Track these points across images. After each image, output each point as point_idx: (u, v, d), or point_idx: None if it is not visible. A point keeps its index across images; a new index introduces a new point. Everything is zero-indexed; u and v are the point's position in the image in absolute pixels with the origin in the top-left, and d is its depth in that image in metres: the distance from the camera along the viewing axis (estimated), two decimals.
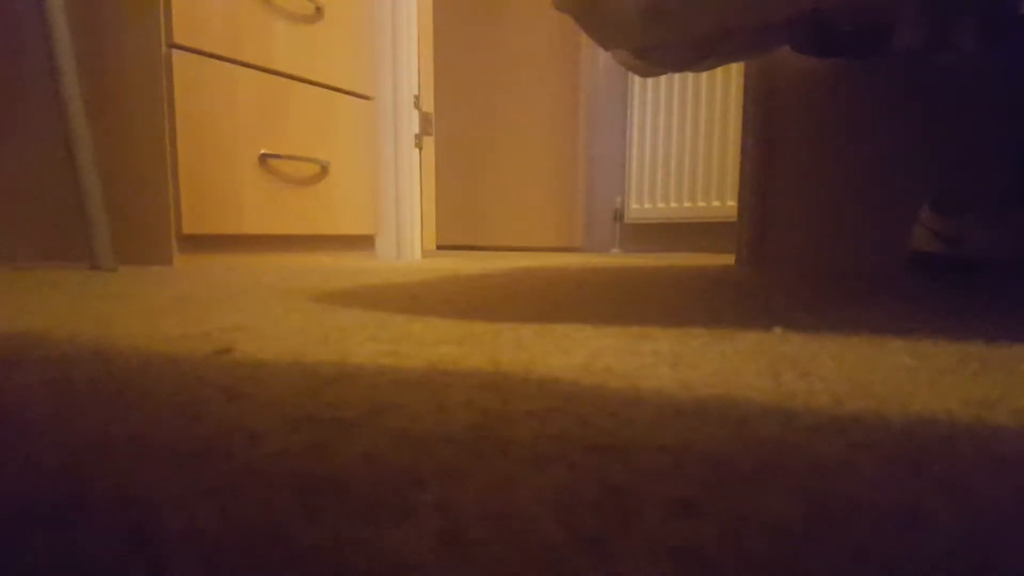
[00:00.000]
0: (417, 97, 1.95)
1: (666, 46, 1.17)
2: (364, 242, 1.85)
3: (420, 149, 1.98)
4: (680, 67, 1.30)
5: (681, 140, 2.64)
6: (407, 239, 1.96)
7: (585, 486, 0.22)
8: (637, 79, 2.74)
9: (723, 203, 2.53)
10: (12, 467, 0.23)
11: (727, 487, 0.22)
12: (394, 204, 1.93)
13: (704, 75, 2.55)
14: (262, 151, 1.51)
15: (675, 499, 0.21)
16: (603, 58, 2.83)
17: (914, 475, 0.23)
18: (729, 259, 1.93)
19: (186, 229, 1.37)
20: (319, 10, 1.61)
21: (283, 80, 1.55)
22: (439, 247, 2.95)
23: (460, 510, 0.20)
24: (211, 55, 1.40)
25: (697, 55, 1.21)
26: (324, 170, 1.65)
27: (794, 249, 1.49)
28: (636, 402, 0.32)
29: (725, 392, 0.34)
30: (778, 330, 0.55)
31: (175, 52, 1.33)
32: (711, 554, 0.17)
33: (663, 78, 2.67)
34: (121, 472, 0.23)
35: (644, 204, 2.76)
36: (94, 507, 0.20)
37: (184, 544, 0.18)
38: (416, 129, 1.95)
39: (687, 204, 2.63)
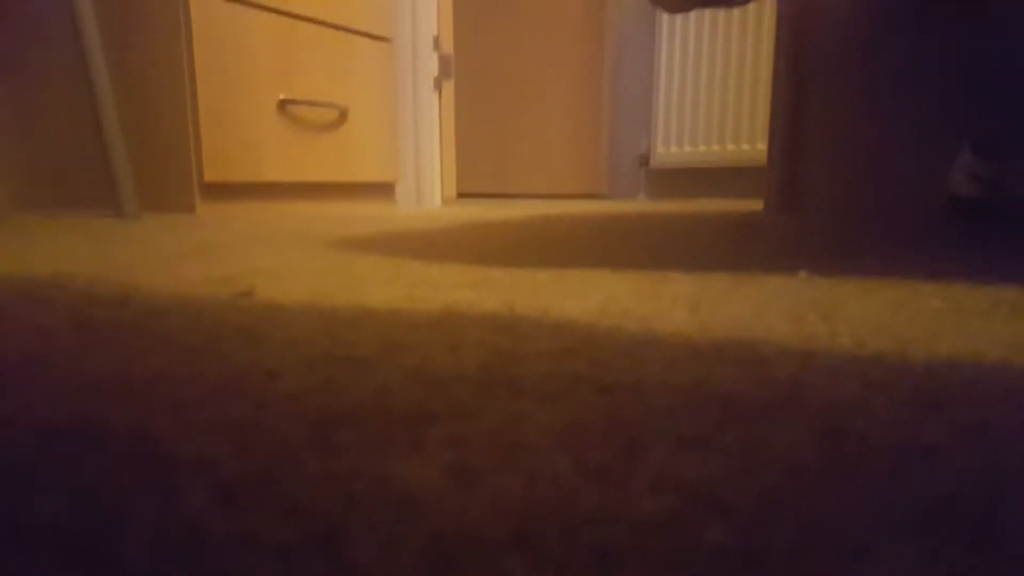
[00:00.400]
0: (436, 38, 1.92)
1: None
2: (384, 190, 1.85)
3: (439, 92, 1.95)
4: (709, 1, 1.26)
5: (710, 81, 2.56)
6: (427, 186, 1.95)
7: (594, 422, 0.22)
8: (665, 17, 2.65)
9: (753, 147, 2.46)
10: (35, 400, 0.24)
11: (739, 425, 0.21)
12: (413, 150, 1.91)
13: (735, 12, 2.46)
14: (281, 96, 1.49)
15: (685, 435, 0.21)
16: None
17: (933, 416, 0.22)
18: (758, 205, 1.90)
19: (208, 177, 1.38)
20: None
21: (300, 23, 1.52)
22: (460, 195, 2.93)
23: (469, 444, 0.20)
24: None
25: None
26: (343, 115, 1.64)
27: (825, 194, 1.46)
28: (651, 344, 0.32)
29: (744, 335, 0.34)
30: (803, 274, 0.54)
31: None
32: (719, 488, 0.17)
33: (692, 15, 2.59)
34: (139, 406, 0.23)
35: (671, 148, 2.70)
36: (111, 438, 0.20)
37: (197, 472, 0.18)
38: (435, 72, 1.92)
39: (716, 148, 2.57)
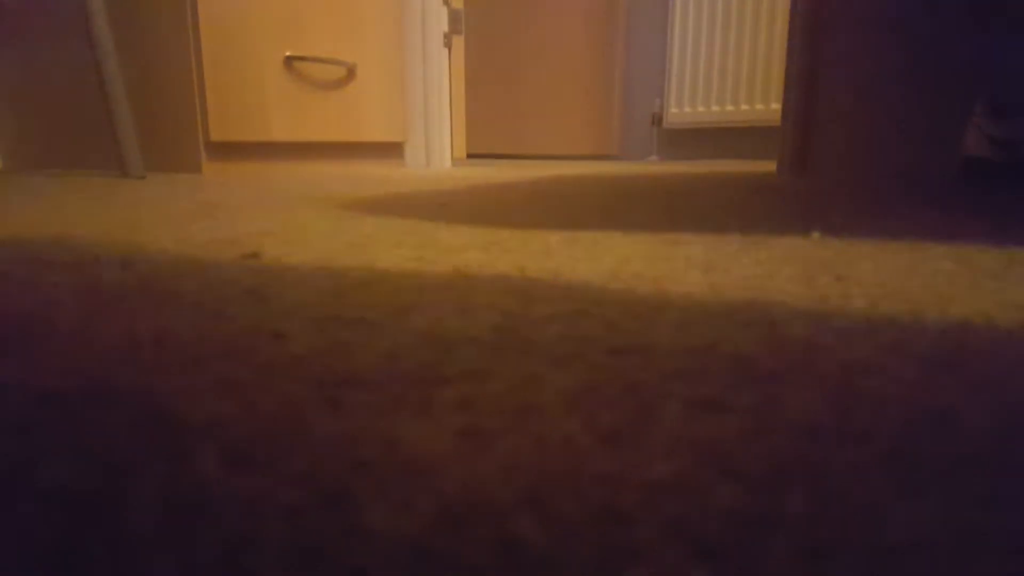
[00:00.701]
0: None
1: None
2: (393, 150, 1.83)
3: (449, 49, 1.92)
4: None
5: (725, 38, 2.50)
6: (436, 146, 1.93)
7: (606, 384, 0.22)
8: None
9: (767, 107, 2.42)
10: (39, 363, 0.24)
11: (752, 386, 0.21)
12: (423, 109, 1.89)
13: None
14: (287, 53, 1.47)
15: (697, 397, 0.20)
16: None
17: (947, 376, 0.22)
18: (772, 166, 1.87)
19: (213, 136, 1.37)
20: None
21: None
22: (470, 156, 2.91)
23: (480, 406, 0.20)
24: None
25: None
26: (351, 73, 1.62)
27: (840, 154, 1.44)
28: (663, 306, 0.32)
29: (756, 296, 0.34)
30: (816, 235, 0.54)
31: None
32: (732, 449, 0.17)
33: None
34: (146, 367, 0.23)
35: (684, 108, 2.65)
36: (119, 398, 0.20)
37: (205, 432, 0.18)
38: (445, 27, 1.88)
39: (729, 108, 2.53)
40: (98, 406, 0.20)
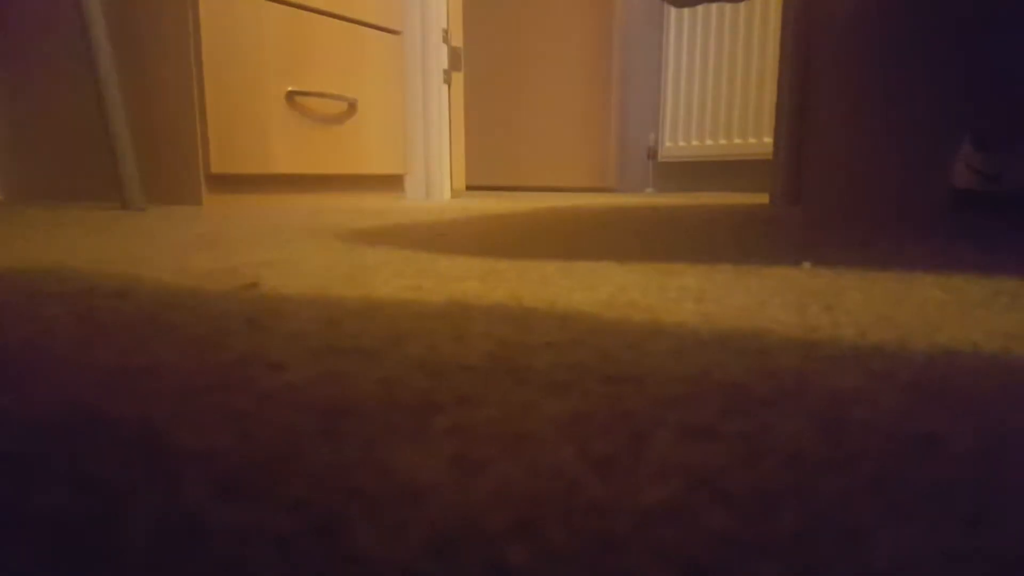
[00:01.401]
0: (446, 31, 1.91)
1: None
2: (393, 182, 1.85)
3: (449, 85, 1.95)
4: None
5: (718, 75, 2.55)
6: (436, 179, 1.95)
7: (599, 412, 0.22)
8: (673, 11, 2.64)
9: (760, 140, 2.45)
10: (35, 391, 0.24)
11: (743, 414, 0.21)
12: (423, 142, 1.91)
13: (742, 7, 2.45)
14: (289, 88, 1.50)
15: (689, 424, 0.21)
16: None
17: (934, 404, 0.22)
18: (765, 198, 1.89)
19: (214, 169, 1.38)
20: None
21: (309, 14, 1.52)
22: (469, 187, 2.93)
23: (474, 434, 0.20)
24: None
25: None
26: (352, 107, 1.64)
27: (830, 187, 1.45)
28: (657, 335, 0.32)
29: (748, 325, 0.34)
30: (807, 265, 0.54)
31: None
32: (723, 476, 0.17)
33: (700, 10, 2.57)
34: (141, 397, 0.23)
35: (679, 141, 2.69)
36: (112, 429, 0.20)
37: (199, 463, 0.18)
38: (445, 64, 1.91)
39: (723, 141, 2.56)
40: (92, 435, 0.20)
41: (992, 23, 1.08)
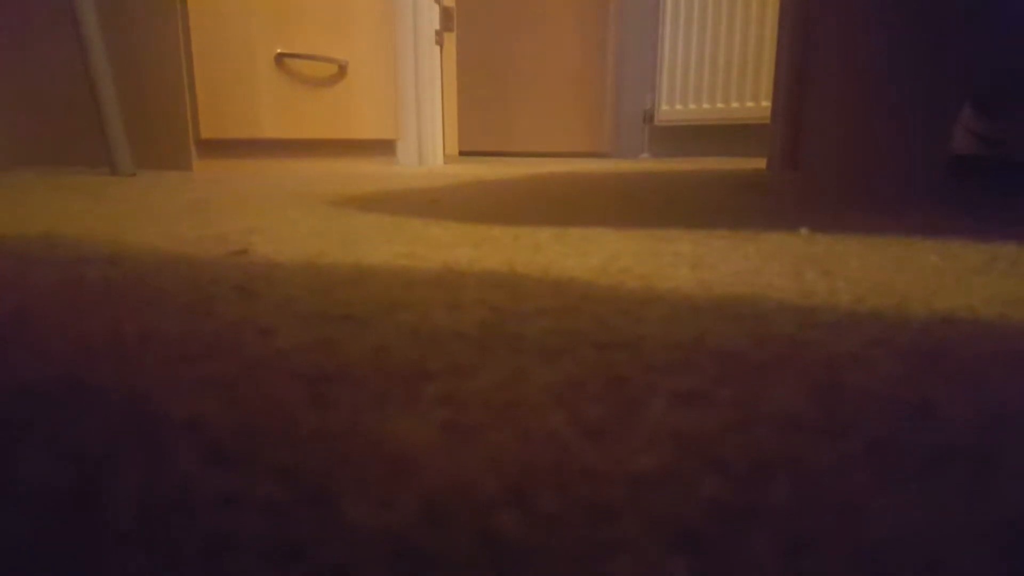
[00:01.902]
0: None
1: None
2: (384, 147, 1.82)
3: (441, 46, 1.91)
4: None
5: (716, 36, 2.51)
6: (428, 144, 1.93)
7: (592, 379, 0.22)
8: None
9: (758, 104, 2.42)
10: (21, 359, 0.24)
11: (737, 380, 0.21)
12: (415, 106, 1.89)
13: None
14: (278, 50, 1.47)
15: (682, 390, 0.20)
16: None
17: (931, 370, 0.22)
18: (762, 163, 1.88)
19: (204, 134, 1.36)
20: None
21: None
22: (462, 153, 2.90)
23: (465, 401, 0.20)
24: None
25: None
26: (342, 70, 1.61)
27: (829, 151, 1.44)
28: (651, 301, 0.32)
29: (744, 291, 0.34)
30: (804, 231, 0.54)
31: None
32: (716, 442, 0.17)
33: None
34: (129, 364, 0.23)
35: (675, 105, 2.66)
36: (101, 394, 0.20)
37: (187, 428, 0.18)
38: (436, 24, 1.88)
39: (720, 105, 2.53)
40: (79, 402, 0.20)
41: None
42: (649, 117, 2.78)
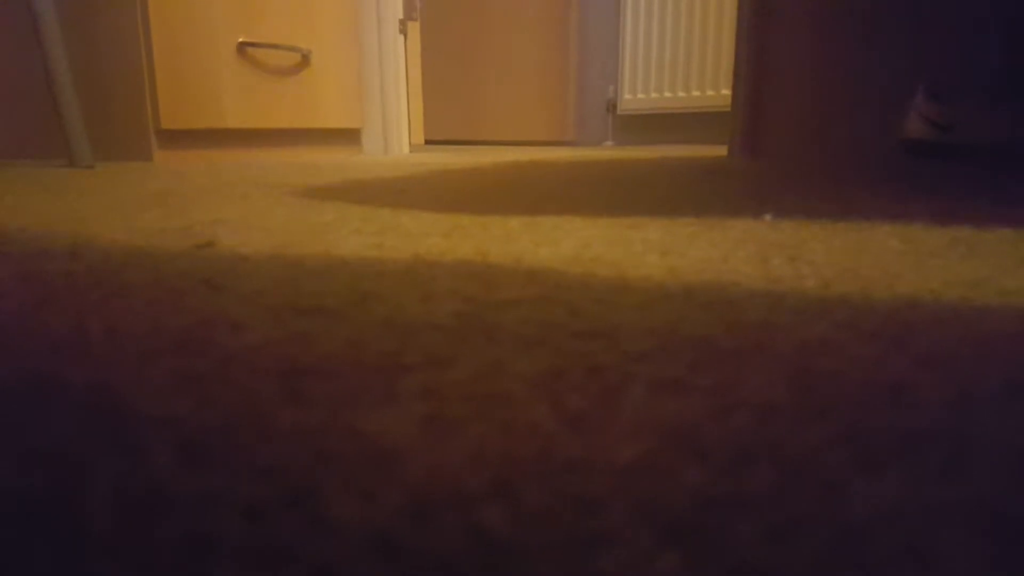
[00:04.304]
0: None
1: None
2: (350, 136, 1.80)
3: (405, 36, 1.89)
4: None
5: (676, 28, 2.53)
6: (394, 133, 1.91)
7: (570, 368, 0.22)
8: None
9: (718, 92, 2.45)
10: None
11: (713, 367, 0.21)
12: (379, 95, 1.86)
13: None
14: (240, 39, 1.44)
15: (660, 379, 0.21)
16: None
17: (899, 353, 0.23)
18: (723, 150, 1.90)
19: (165, 124, 1.33)
20: None
21: None
22: (428, 142, 2.88)
23: (444, 394, 0.20)
24: None
25: None
26: (306, 59, 1.58)
27: (788, 138, 1.46)
28: (624, 289, 0.32)
29: (713, 278, 0.34)
30: (768, 217, 0.55)
31: None
32: (696, 431, 0.17)
33: None
34: (97, 362, 0.22)
35: (638, 94, 2.67)
36: (69, 393, 0.20)
37: (160, 427, 0.17)
38: (400, 14, 1.85)
39: (681, 94, 2.56)
40: (46, 401, 0.19)
41: None
42: (612, 106, 2.80)
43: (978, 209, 0.59)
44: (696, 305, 0.29)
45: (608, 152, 2.05)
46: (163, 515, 0.14)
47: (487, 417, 0.18)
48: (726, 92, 2.38)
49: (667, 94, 2.60)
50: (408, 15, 1.92)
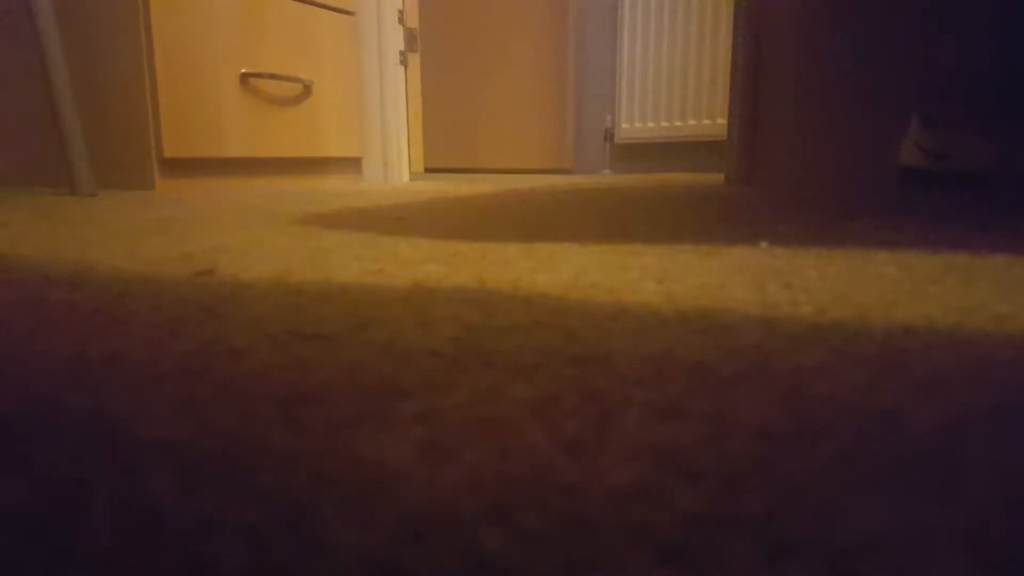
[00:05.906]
0: (401, 12, 1.88)
1: None
2: (350, 165, 1.82)
3: (406, 67, 1.92)
4: None
5: (672, 57, 2.57)
6: (394, 161, 1.92)
7: (567, 393, 0.22)
8: None
9: (714, 121, 2.48)
10: None
11: (708, 392, 0.22)
12: (380, 124, 1.88)
13: None
14: (243, 70, 1.46)
15: (656, 404, 0.21)
16: None
17: (894, 379, 0.23)
18: (719, 178, 1.91)
19: (167, 153, 1.34)
20: None
21: None
22: (427, 170, 2.90)
23: (442, 419, 0.20)
24: None
25: None
26: (307, 90, 1.60)
27: (784, 165, 1.48)
28: (621, 315, 0.32)
29: (709, 304, 0.34)
30: (764, 244, 0.55)
31: None
32: (691, 455, 0.17)
33: None
34: (97, 388, 0.22)
35: (635, 123, 2.71)
36: (69, 419, 0.20)
37: (160, 452, 0.17)
38: (401, 46, 1.88)
39: (678, 123, 2.59)
40: (47, 426, 0.19)
41: (943, 9, 1.11)
42: (610, 135, 2.83)
43: (973, 236, 0.60)
44: (692, 331, 0.29)
45: (606, 180, 2.07)
46: (163, 540, 0.14)
47: (484, 441, 0.18)
48: (722, 121, 2.41)
49: (664, 123, 2.63)
50: (409, 47, 1.95)
